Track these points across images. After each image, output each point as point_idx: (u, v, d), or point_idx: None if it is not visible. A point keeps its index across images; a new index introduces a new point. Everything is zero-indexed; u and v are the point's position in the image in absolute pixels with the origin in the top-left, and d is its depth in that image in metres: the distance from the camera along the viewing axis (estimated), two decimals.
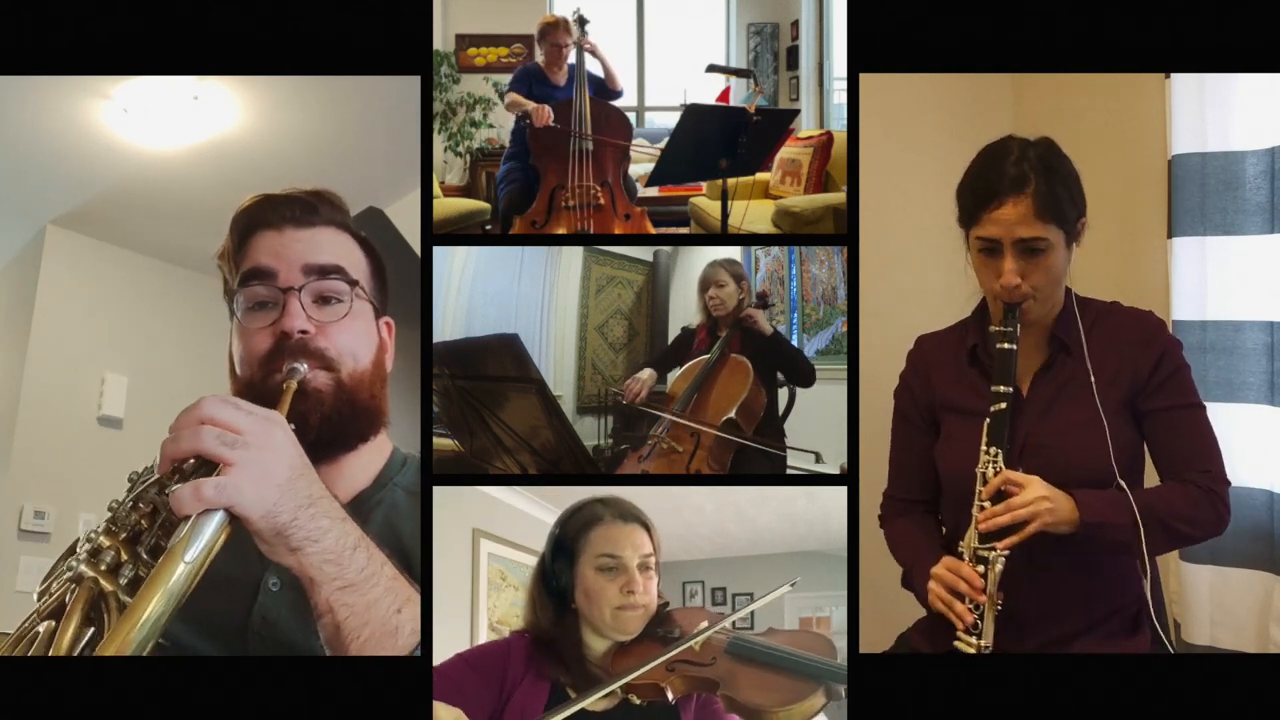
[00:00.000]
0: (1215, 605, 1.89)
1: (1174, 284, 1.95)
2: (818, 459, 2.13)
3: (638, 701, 1.19)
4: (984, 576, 1.31)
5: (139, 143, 2.85)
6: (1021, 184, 1.35)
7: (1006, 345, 1.37)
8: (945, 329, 1.58)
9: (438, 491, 1.44)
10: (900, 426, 1.58)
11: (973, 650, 1.31)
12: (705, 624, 1.27)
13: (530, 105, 2.68)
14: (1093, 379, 1.40)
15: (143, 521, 0.94)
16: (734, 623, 1.29)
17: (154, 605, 0.84)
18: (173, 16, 1.37)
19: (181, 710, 1.04)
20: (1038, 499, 1.30)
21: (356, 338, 1.21)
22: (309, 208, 1.23)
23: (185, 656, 1.10)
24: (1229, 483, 1.40)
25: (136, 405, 3.48)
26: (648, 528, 1.32)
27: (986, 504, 1.33)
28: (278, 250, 1.19)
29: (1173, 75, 1.95)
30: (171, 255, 3.62)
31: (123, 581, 0.91)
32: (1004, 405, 1.36)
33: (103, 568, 0.91)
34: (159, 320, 3.63)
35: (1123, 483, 1.35)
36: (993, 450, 1.35)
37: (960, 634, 1.33)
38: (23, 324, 3.34)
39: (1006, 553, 1.31)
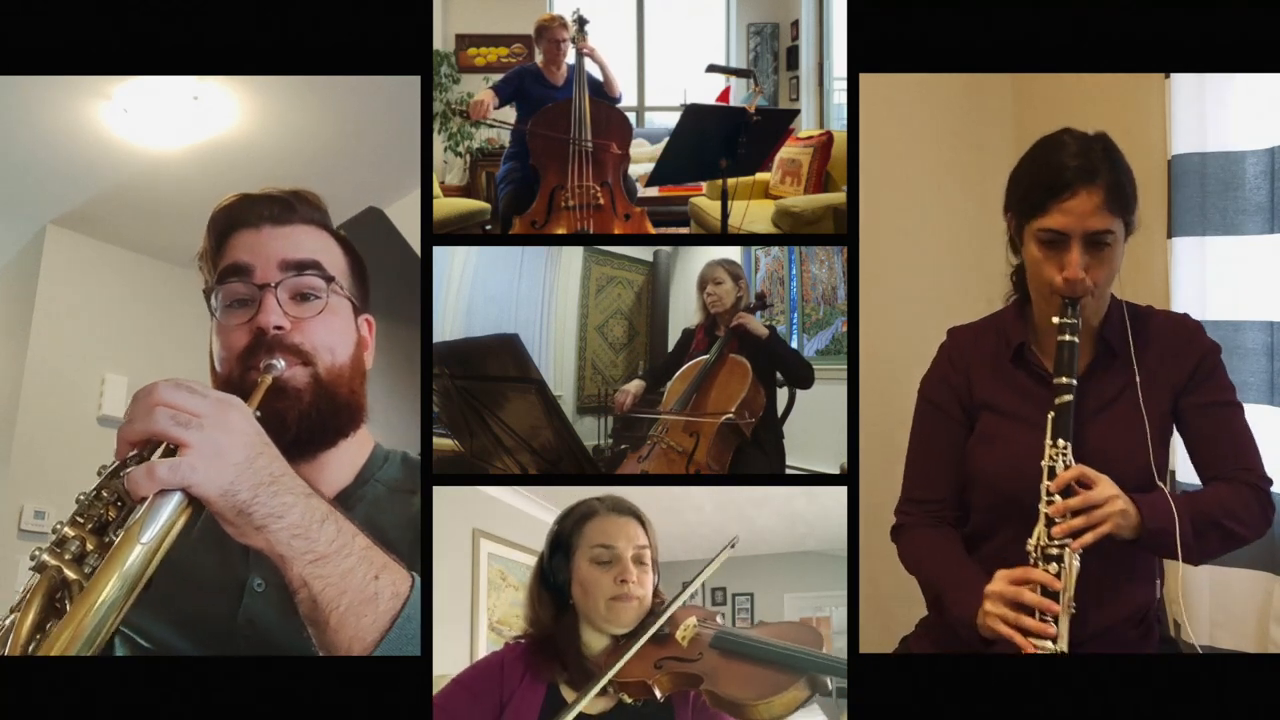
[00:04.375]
0: (1215, 605, 1.89)
1: (1174, 284, 1.95)
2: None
3: (630, 701, 1.20)
4: (1058, 576, 1.25)
5: (139, 143, 2.85)
6: (1093, 175, 1.31)
7: (1069, 338, 1.33)
8: (978, 322, 1.54)
9: (438, 491, 1.44)
10: (932, 418, 1.51)
11: (1052, 653, 1.23)
12: (693, 620, 1.27)
13: (476, 98, 2.69)
14: (1139, 381, 1.37)
15: (109, 511, 0.93)
16: (720, 616, 1.30)
17: (110, 588, 0.83)
18: (173, 16, 1.37)
19: (179, 710, 1.03)
20: (1112, 497, 1.26)
21: (333, 333, 1.20)
22: (287, 206, 1.23)
23: (185, 656, 1.10)
24: (1272, 481, 1.38)
25: None
26: (643, 521, 1.33)
27: (1056, 498, 1.28)
28: (255, 247, 1.20)
29: (1173, 75, 1.95)
30: (172, 255, 3.63)
31: (87, 570, 0.89)
32: (1069, 398, 1.32)
33: (67, 557, 0.89)
34: (159, 320, 3.63)
35: (1163, 488, 1.32)
36: (1060, 443, 1.30)
37: (1035, 645, 1.25)
38: (23, 324, 3.34)
39: (1080, 551, 1.26)
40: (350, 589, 0.91)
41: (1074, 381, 1.33)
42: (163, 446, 0.90)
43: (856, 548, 1.59)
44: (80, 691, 1.01)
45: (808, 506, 2.16)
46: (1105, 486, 1.27)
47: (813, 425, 2.34)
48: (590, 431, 3.22)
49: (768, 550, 2.43)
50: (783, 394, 2.29)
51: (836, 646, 2.27)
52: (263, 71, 1.97)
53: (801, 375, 2.22)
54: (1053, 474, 1.29)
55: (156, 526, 0.85)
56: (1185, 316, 1.46)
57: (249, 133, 2.84)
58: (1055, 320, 1.35)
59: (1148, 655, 1.39)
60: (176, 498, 0.87)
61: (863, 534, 1.61)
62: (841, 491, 1.66)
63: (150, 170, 3.01)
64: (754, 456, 2.09)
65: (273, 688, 1.05)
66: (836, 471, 2.18)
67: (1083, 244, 1.32)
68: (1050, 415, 1.32)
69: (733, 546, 1.30)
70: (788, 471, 2.29)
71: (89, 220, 3.37)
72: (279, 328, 1.15)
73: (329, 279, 1.21)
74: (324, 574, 0.91)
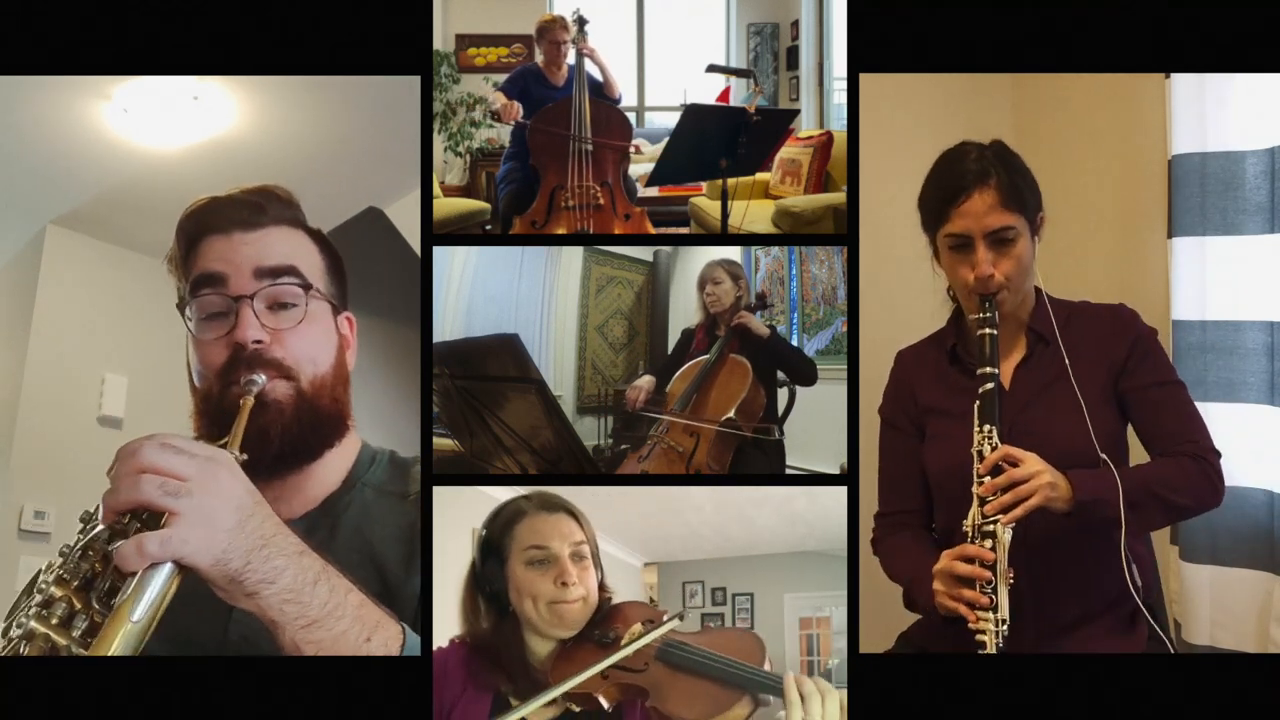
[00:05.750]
0: (1215, 605, 1.89)
1: (1174, 284, 1.95)
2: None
3: (578, 710, 1.17)
4: (992, 550, 1.30)
5: (139, 143, 2.85)
6: (985, 176, 1.41)
7: (988, 330, 1.40)
8: (922, 340, 1.60)
9: (438, 491, 1.44)
10: (888, 436, 1.59)
11: (992, 626, 1.28)
12: (639, 627, 1.23)
13: (499, 102, 2.68)
14: (1068, 364, 1.43)
15: (96, 567, 0.90)
16: (666, 615, 1.25)
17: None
18: (173, 16, 1.37)
19: (177, 711, 1.03)
20: (1038, 472, 1.30)
21: (314, 343, 1.17)
22: (256, 208, 1.20)
23: (182, 656, 1.10)
24: (1219, 453, 1.41)
25: (136, 405, 3.48)
26: (576, 516, 1.29)
27: (986, 479, 1.32)
28: (227, 255, 1.17)
29: (1173, 75, 1.95)
30: None
31: (76, 634, 0.87)
32: (991, 385, 1.37)
33: (54, 621, 0.87)
34: (159, 320, 3.61)
35: (1107, 460, 1.36)
36: (986, 428, 1.35)
37: (978, 615, 1.29)
38: (23, 324, 3.34)
39: (1013, 525, 1.30)
40: (343, 653, 0.90)
41: (995, 371, 1.39)
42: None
43: (856, 548, 1.60)
44: (81, 691, 1.01)
45: (808, 506, 2.16)
46: (1031, 463, 1.31)
47: (813, 425, 2.34)
48: (590, 431, 3.22)
49: (768, 550, 2.43)
50: (783, 394, 2.29)
51: (836, 647, 2.27)
52: (263, 71, 1.96)
53: (805, 372, 2.23)
54: (982, 457, 1.34)
55: (146, 603, 0.83)
56: (1120, 306, 1.51)
57: (249, 133, 2.84)
58: (972, 317, 1.43)
59: (1146, 655, 1.39)
60: (167, 569, 0.84)
61: (863, 534, 1.61)
62: (841, 491, 1.66)
63: (150, 170, 3.00)
64: (754, 456, 2.09)
65: (272, 687, 1.05)
66: (836, 471, 2.18)
67: (986, 242, 1.40)
68: (976, 404, 1.37)
69: (681, 619, 1.25)
70: (788, 471, 2.29)
71: (89, 220, 3.36)
72: (258, 342, 1.13)
73: (307, 286, 1.17)
74: (316, 639, 0.89)
